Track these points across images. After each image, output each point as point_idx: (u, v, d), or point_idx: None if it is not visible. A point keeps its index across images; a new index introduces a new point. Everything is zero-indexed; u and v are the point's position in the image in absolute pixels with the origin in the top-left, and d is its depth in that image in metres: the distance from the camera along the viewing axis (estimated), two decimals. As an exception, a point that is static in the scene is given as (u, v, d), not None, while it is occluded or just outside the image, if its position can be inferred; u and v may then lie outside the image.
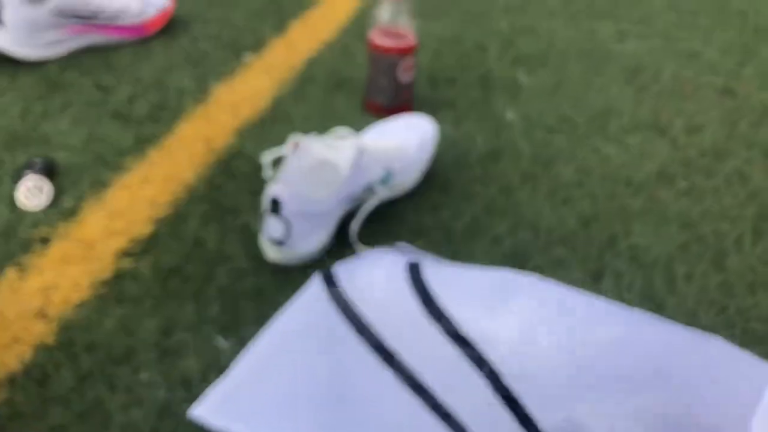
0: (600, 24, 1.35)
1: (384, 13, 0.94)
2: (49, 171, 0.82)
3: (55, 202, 0.79)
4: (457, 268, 0.65)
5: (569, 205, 0.85)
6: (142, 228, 0.76)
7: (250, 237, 0.76)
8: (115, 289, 0.68)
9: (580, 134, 0.99)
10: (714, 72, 1.19)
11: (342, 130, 0.80)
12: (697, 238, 0.81)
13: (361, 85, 1.05)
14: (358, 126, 0.95)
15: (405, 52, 0.95)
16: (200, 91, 1.02)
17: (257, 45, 1.16)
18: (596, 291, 0.72)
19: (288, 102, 1.01)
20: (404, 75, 0.97)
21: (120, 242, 0.74)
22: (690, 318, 0.70)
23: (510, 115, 1.02)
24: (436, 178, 0.88)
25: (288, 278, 0.71)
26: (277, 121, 0.97)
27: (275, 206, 0.69)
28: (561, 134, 0.99)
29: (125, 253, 0.73)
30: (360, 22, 1.27)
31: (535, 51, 1.22)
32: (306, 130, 0.95)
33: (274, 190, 0.70)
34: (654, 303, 0.72)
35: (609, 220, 0.83)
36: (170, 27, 1.18)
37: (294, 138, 0.74)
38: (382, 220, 0.80)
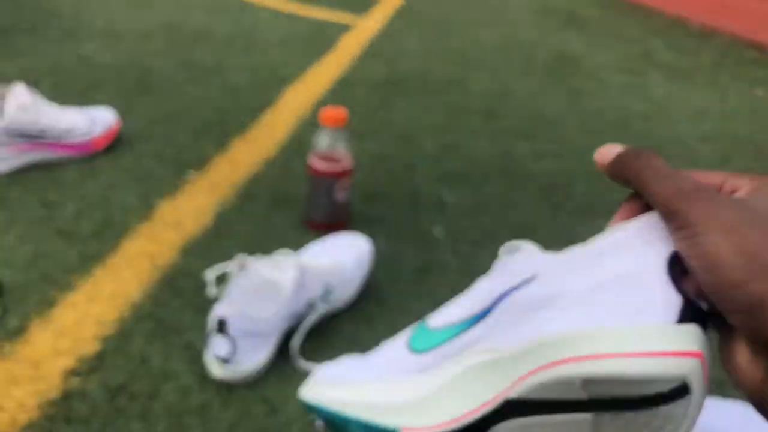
0: (518, 143, 1.49)
1: (322, 140, 1.03)
2: (-5, 290, 0.84)
3: (0, 321, 0.81)
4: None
5: (494, 317, 0.92)
6: (89, 346, 0.79)
7: (194, 354, 0.79)
8: (63, 409, 0.70)
9: (501, 249, 1.08)
10: (619, 188, 1.33)
11: (283, 251, 0.86)
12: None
13: (299, 201, 1.13)
14: (296, 242, 1.02)
15: (341, 175, 1.03)
16: (144, 209, 1.06)
17: (200, 162, 1.23)
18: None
19: (230, 219, 1.07)
20: (340, 195, 1.05)
21: (67, 361, 0.76)
22: None
23: (437, 230, 1.11)
24: (372, 292, 0.94)
25: (232, 394, 0.74)
26: (221, 238, 1.02)
27: (222, 326, 0.73)
28: (485, 249, 1.08)
29: (73, 372, 0.75)
30: (300, 139, 1.36)
31: (459, 170, 1.34)
32: (248, 246, 1.00)
33: (220, 310, 0.74)
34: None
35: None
36: (116, 145, 1.23)
37: (239, 258, 0.80)
38: (321, 333, 0.85)
